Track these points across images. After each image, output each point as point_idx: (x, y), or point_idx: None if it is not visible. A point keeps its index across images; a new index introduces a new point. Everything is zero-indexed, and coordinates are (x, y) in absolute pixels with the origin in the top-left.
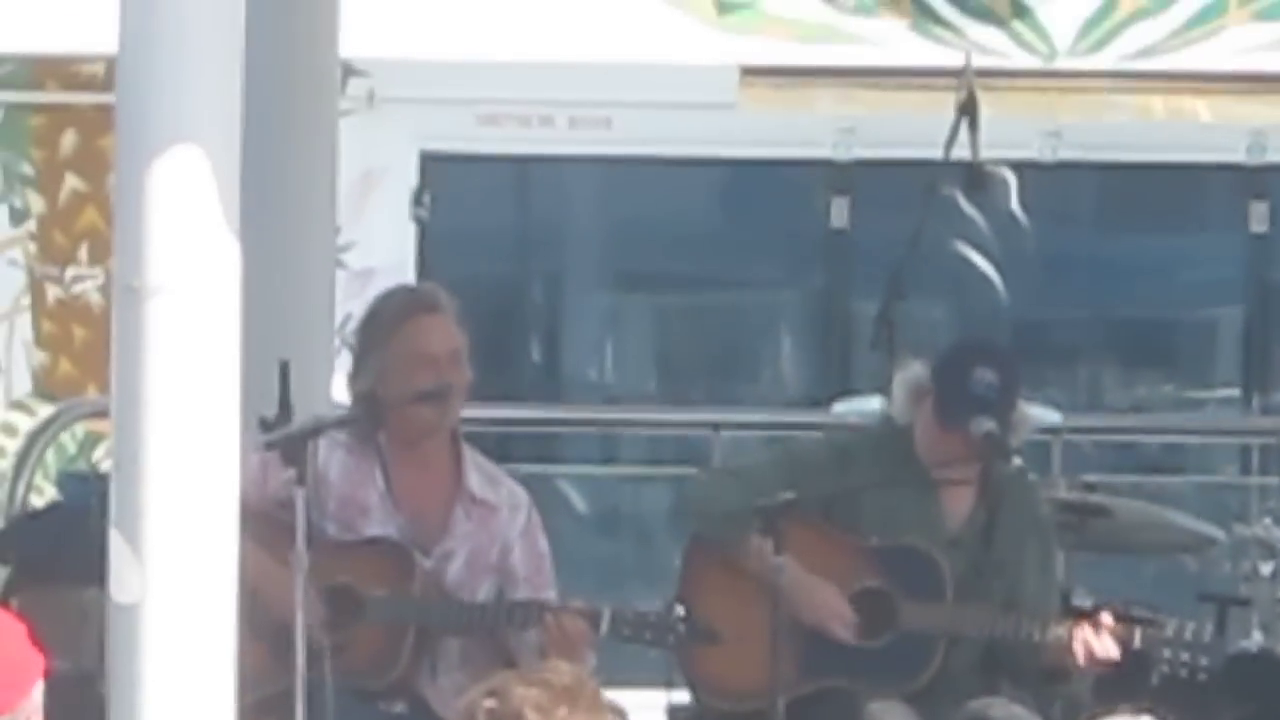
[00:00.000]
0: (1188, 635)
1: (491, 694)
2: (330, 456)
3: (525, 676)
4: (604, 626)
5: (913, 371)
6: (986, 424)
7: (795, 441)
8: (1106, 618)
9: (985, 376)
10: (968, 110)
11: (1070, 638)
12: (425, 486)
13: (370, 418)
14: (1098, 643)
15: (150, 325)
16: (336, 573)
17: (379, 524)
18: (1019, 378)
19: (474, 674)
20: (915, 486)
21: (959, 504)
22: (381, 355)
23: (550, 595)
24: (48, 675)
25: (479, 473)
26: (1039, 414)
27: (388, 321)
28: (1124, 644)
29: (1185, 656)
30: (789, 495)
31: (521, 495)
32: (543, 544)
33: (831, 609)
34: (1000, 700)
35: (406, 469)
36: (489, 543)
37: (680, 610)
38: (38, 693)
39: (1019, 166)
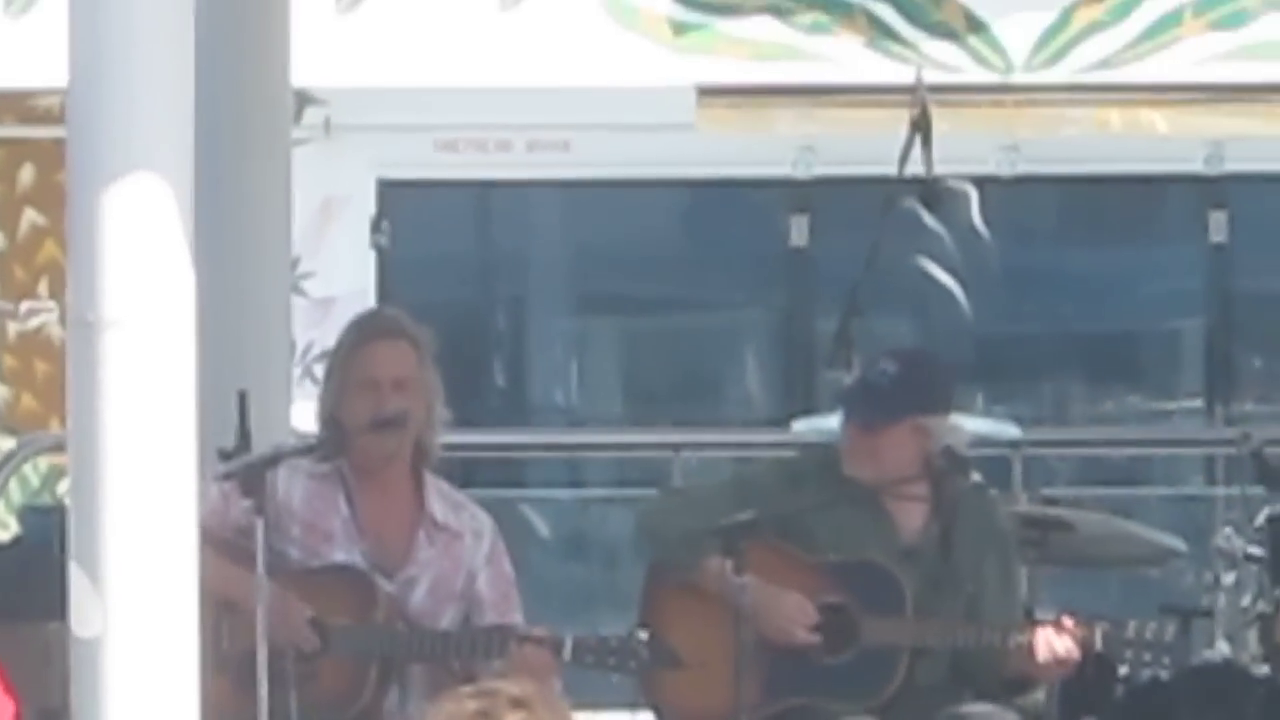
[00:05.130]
0: (1149, 636)
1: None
2: (293, 483)
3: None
4: (567, 653)
5: None
6: (945, 440)
7: (744, 465)
8: (1067, 620)
9: (885, 366)
10: (920, 126)
11: (1032, 643)
12: (387, 512)
13: (333, 444)
14: (1059, 644)
15: (106, 358)
16: (300, 602)
17: (342, 550)
18: (937, 381)
19: None
20: (864, 502)
21: (911, 517)
22: (337, 382)
23: (517, 619)
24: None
25: (441, 499)
26: (998, 429)
27: (343, 348)
28: (1085, 646)
29: (1147, 657)
30: (747, 515)
31: (485, 521)
32: (508, 569)
33: (795, 617)
34: (980, 706)
35: (369, 495)
36: (453, 569)
37: (642, 634)
38: None
39: (978, 181)
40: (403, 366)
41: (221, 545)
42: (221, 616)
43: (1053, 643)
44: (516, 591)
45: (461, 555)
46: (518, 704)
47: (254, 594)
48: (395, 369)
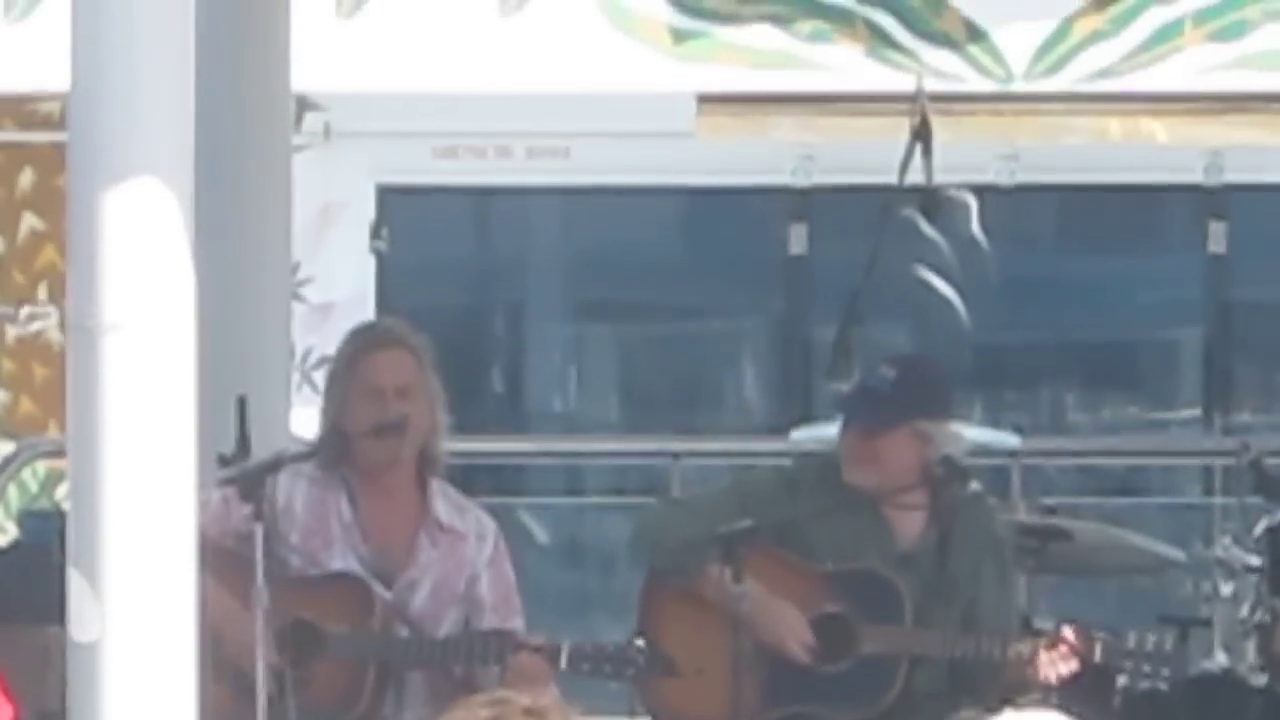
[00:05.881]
0: (1148, 648)
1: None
2: (294, 488)
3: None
4: (563, 661)
5: None
6: (944, 448)
7: (744, 472)
8: (1067, 632)
9: (884, 371)
10: (921, 135)
11: (1031, 654)
12: (390, 516)
13: (335, 451)
14: (1058, 657)
15: (105, 363)
16: (297, 608)
17: (342, 555)
18: (937, 385)
19: (438, 709)
20: (863, 510)
21: (909, 525)
22: (339, 391)
23: (518, 624)
24: None
25: (445, 501)
26: (997, 438)
27: (344, 358)
28: (1084, 658)
29: (1146, 668)
30: (746, 523)
31: (489, 523)
32: (510, 572)
33: (791, 631)
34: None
35: (371, 499)
36: (455, 571)
37: (639, 642)
38: None
39: (977, 190)
40: (404, 374)
41: (220, 555)
42: (219, 628)
43: (1051, 656)
44: (518, 595)
45: (464, 557)
46: (530, 713)
47: (243, 629)
48: (397, 377)
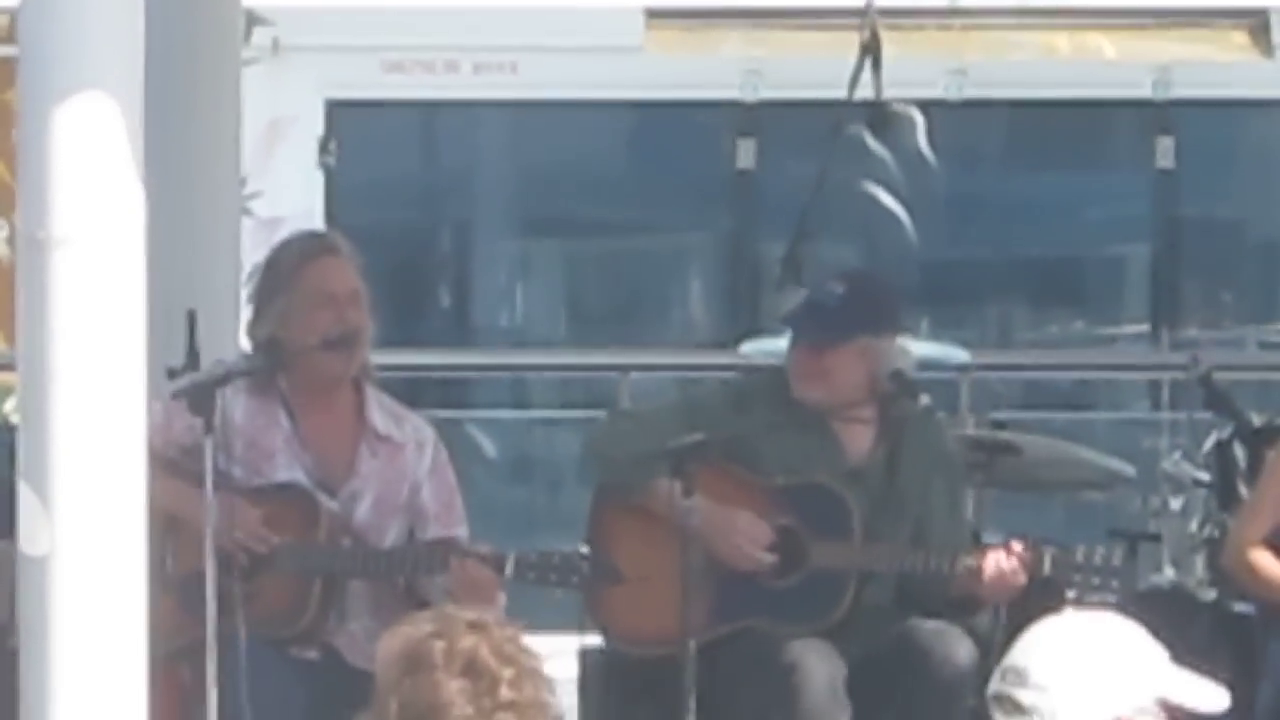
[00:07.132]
0: (1097, 560)
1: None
2: (234, 401)
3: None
4: (509, 569)
5: None
6: (892, 364)
7: (693, 386)
8: (1016, 545)
9: (832, 287)
10: (870, 50)
11: (980, 566)
12: (329, 428)
13: (272, 364)
14: (1006, 566)
15: (55, 276)
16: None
17: (285, 467)
18: (885, 301)
19: (384, 620)
20: (812, 425)
21: (858, 440)
22: (284, 300)
23: (461, 531)
24: None
25: (382, 411)
26: (946, 353)
27: (288, 266)
28: (1033, 570)
29: (1095, 582)
30: (695, 437)
31: (427, 431)
32: (451, 479)
33: (750, 537)
34: (930, 622)
35: (310, 411)
36: (396, 481)
37: (584, 550)
38: None
39: (925, 105)
40: (353, 281)
41: (166, 464)
42: (167, 536)
43: (1000, 565)
44: (460, 502)
45: (404, 466)
46: (473, 627)
47: (200, 509)
48: (349, 283)
